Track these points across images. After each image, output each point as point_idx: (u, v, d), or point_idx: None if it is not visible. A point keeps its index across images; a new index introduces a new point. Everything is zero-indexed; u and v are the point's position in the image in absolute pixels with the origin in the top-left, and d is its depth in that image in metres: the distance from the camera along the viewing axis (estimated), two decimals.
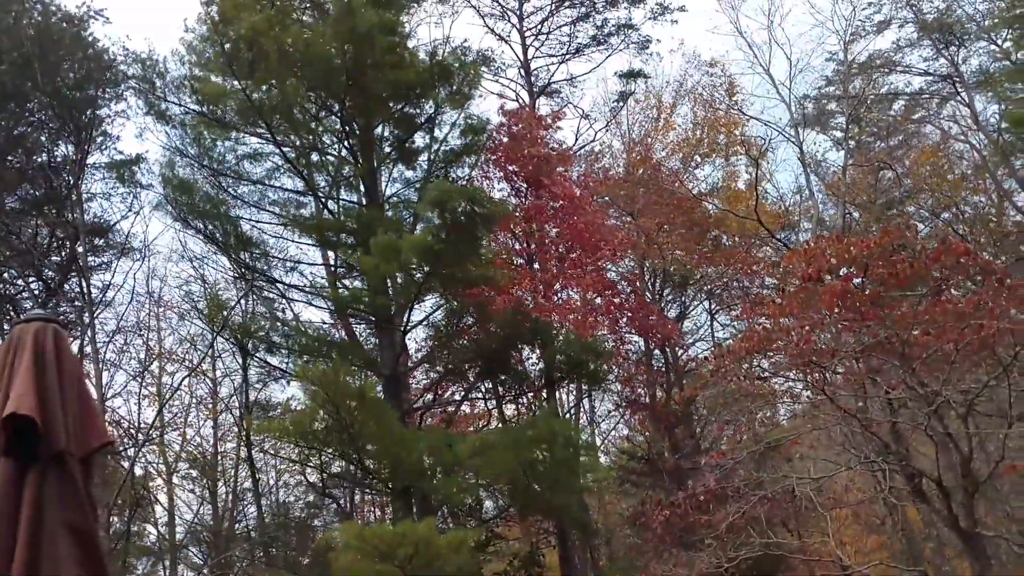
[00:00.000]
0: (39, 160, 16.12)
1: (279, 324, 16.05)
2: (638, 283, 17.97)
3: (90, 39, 16.53)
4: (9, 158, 16.18)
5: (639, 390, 17.53)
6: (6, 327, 16.44)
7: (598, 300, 16.10)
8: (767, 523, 12.70)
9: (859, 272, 12.44)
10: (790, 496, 13.27)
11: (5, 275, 16.45)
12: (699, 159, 18.62)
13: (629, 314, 16.05)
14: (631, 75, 21.25)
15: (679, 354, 18.25)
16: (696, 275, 18.07)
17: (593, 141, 20.83)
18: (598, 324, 15.62)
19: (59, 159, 16.32)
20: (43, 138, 16.51)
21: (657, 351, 17.37)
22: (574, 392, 19.37)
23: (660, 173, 18.29)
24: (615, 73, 21.41)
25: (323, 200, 15.37)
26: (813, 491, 12.48)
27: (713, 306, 19.36)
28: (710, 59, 20.42)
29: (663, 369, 17.36)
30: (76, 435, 2.90)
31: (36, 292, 16.71)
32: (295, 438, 13.95)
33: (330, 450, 14.29)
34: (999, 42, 19.61)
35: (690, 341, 19.25)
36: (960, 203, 17.80)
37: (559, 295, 15.76)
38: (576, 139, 20.80)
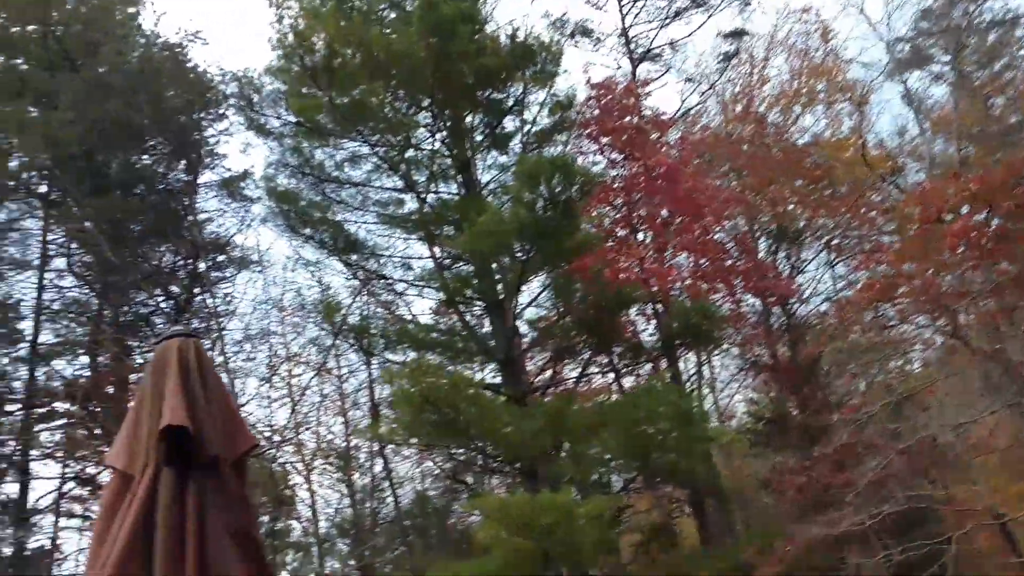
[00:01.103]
0: (156, 186, 17.06)
1: (392, 321, 16.48)
2: (749, 242, 17.48)
3: (190, 64, 17.34)
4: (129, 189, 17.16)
5: (760, 351, 17.11)
6: (143, 344, 17.56)
7: (709, 265, 15.76)
8: (909, 476, 12.20)
9: (981, 208, 11.75)
10: (931, 446, 12.71)
11: (138, 297, 17.51)
12: (798, 110, 17.89)
13: (742, 275, 15.65)
14: (734, 34, 20.56)
15: (799, 310, 17.68)
16: (810, 228, 17.45)
17: (698, 105, 20.30)
18: (711, 289, 15.31)
19: (173, 182, 17.22)
20: (159, 167, 17.45)
21: (775, 310, 16.88)
22: (693, 359, 19.11)
23: (763, 127, 17.71)
24: (718, 33, 20.64)
25: (422, 195, 15.63)
26: (955, 438, 11.91)
27: (832, 257, 18.65)
28: (802, 6, 19.52)
29: (783, 327, 16.86)
30: (225, 441, 3.05)
31: (167, 310, 17.72)
32: (406, 438, 14.31)
33: (447, 443, 14.57)
34: None
35: (809, 296, 18.61)
36: None
37: (668, 263, 15.52)
38: (681, 104, 20.33)
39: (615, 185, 16.28)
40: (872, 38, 19.09)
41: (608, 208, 16.61)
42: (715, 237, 15.87)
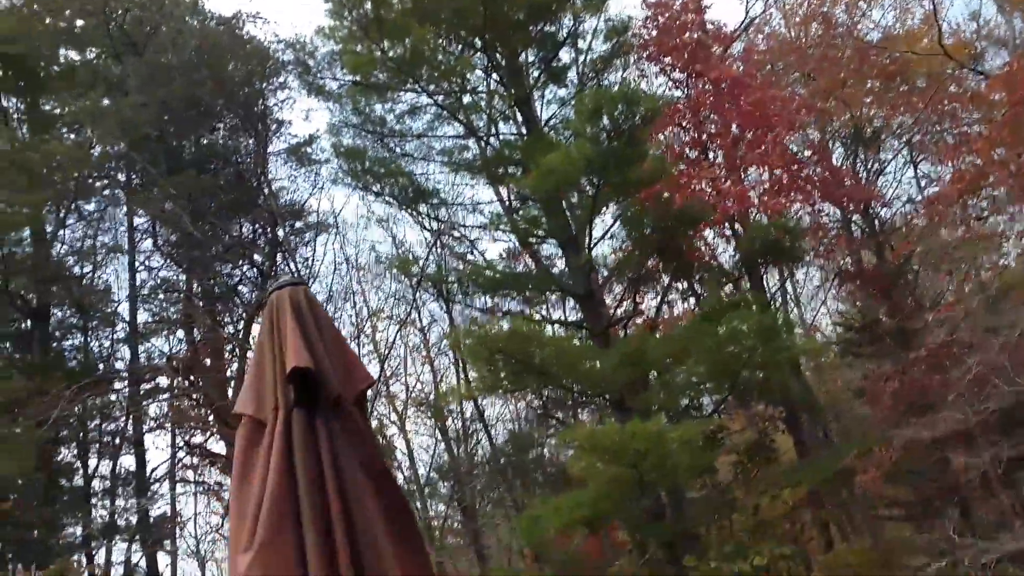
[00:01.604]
0: (229, 160, 17.52)
1: (467, 268, 16.65)
2: (824, 150, 16.90)
3: (247, 36, 17.60)
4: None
5: (844, 260, 16.69)
6: (233, 315, 18.23)
7: (784, 177, 15.34)
8: (1013, 371, 11.81)
9: None
10: None
11: (224, 270, 18.14)
12: (864, 5, 17.03)
13: (819, 184, 15.19)
14: None
15: (882, 213, 17.10)
16: (888, 128, 16.76)
17: (763, 13, 19.42)
18: (789, 202, 14.92)
19: (244, 155, 17.65)
20: (229, 142, 17.90)
21: (857, 216, 16.36)
22: (776, 276, 18.78)
23: (830, 28, 16.93)
24: None
25: (484, 139, 15.60)
26: None
27: (915, 155, 17.91)
28: None
29: (867, 233, 16.35)
30: (345, 379, 3.19)
31: (252, 278, 18.32)
32: (491, 388, 14.50)
33: (529, 386, 14.71)
34: None
35: (891, 199, 17.97)
36: None
37: (741, 180, 15.17)
38: (745, 15, 19.50)
39: (680, 106, 15.91)
40: None
41: (676, 130, 16.28)
42: (788, 148, 15.37)
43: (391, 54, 14.25)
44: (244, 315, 17.38)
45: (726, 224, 15.55)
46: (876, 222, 16.35)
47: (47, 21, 19.53)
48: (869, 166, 17.24)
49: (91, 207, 20.14)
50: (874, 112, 16.27)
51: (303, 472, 2.94)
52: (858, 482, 13.64)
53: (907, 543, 14.10)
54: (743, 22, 18.17)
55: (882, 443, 13.24)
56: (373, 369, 21.34)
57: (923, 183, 18.57)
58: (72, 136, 19.61)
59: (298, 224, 18.70)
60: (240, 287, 18.71)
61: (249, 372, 3.34)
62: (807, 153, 16.61)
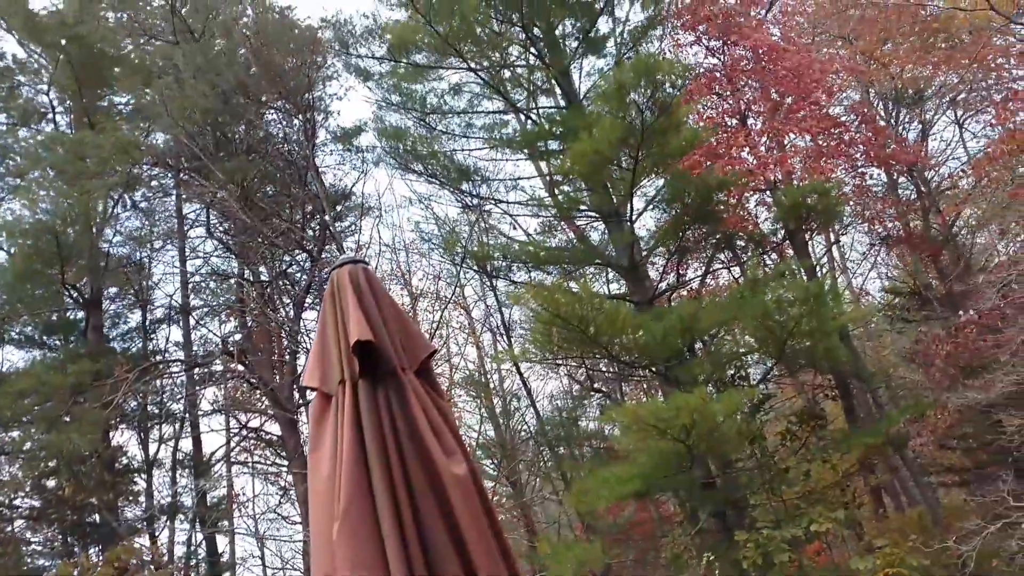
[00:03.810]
0: (278, 147, 17.85)
1: (511, 243, 16.77)
2: (866, 111, 16.62)
3: (299, 21, 17.89)
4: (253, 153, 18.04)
5: (891, 223, 16.44)
6: (286, 299, 18.59)
7: (825, 142, 15.14)
8: None
9: None
10: None
11: (275, 255, 18.51)
12: None
13: (863, 146, 14.96)
14: None
15: (930, 176, 16.80)
16: (931, 87, 16.41)
17: None
18: (831, 167, 14.74)
19: (293, 141, 17.95)
20: (280, 128, 18.24)
21: (903, 179, 16.09)
22: (821, 243, 18.60)
23: None
24: None
25: (525, 112, 15.64)
26: None
27: (961, 115, 17.51)
28: None
29: (914, 197, 16.09)
30: (407, 349, 3.35)
31: (302, 264, 18.68)
32: (541, 355, 14.59)
33: (581, 353, 14.78)
34: None
35: (940, 160, 17.62)
36: None
37: (783, 147, 15.02)
38: None
39: (718, 74, 15.76)
40: None
41: (714, 98, 16.14)
42: (829, 112, 15.16)
43: (435, 25, 14.29)
44: (295, 299, 17.75)
45: (767, 192, 15.43)
46: (923, 184, 16.07)
47: (109, 13, 20.11)
48: (914, 127, 16.91)
49: (143, 195, 20.69)
50: (916, 71, 15.95)
51: (372, 441, 3.09)
52: (911, 448, 13.54)
53: (960, 508, 14.01)
54: None
55: (934, 408, 13.12)
56: None
57: (972, 142, 18.16)
58: (125, 126, 20.14)
59: (342, 208, 19.00)
60: (290, 271, 19.09)
61: (314, 347, 3.51)
62: (850, 116, 16.34)
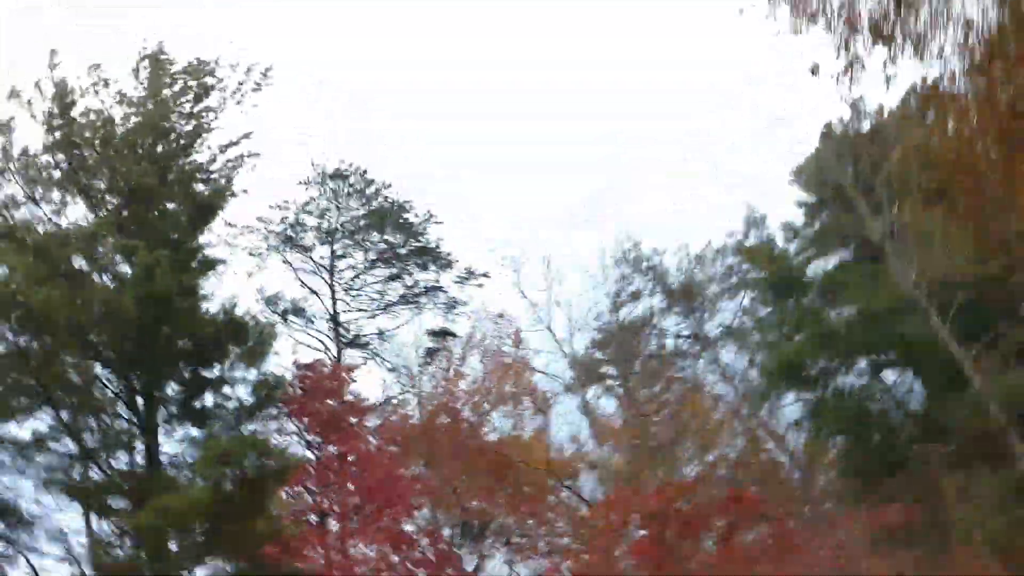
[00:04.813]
0: None
1: None
2: (437, 534, 17.72)
3: None
4: None
5: None
6: None
7: (394, 557, 15.71)
8: None
9: (659, 527, 13.77)
10: None
11: None
12: (488, 407, 19.44)
13: (425, 567, 15.70)
14: (440, 334, 21.93)
15: None
16: (491, 524, 18.14)
17: (401, 394, 20.94)
18: None
19: None
20: None
21: None
22: None
23: (459, 422, 18.70)
24: (426, 331, 22.03)
25: (97, 462, 14.58)
26: None
27: (512, 556, 19.31)
28: (498, 312, 21.64)
29: None
30: None
31: None
32: None
33: None
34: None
35: None
36: (721, 445, 19.43)
37: (353, 551, 15.28)
38: (383, 392, 20.89)
39: (311, 468, 16.19)
40: (557, 354, 21.47)
41: (302, 491, 16.36)
42: (403, 528, 16.00)
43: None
44: None
45: None
46: None
47: None
48: (474, 557, 18.26)
49: None
50: (483, 507, 17.73)
51: None
52: None
53: None
54: (381, 399, 19.67)
55: None
56: None
57: None
58: None
59: None
60: None
61: None
62: (421, 537, 17.31)
